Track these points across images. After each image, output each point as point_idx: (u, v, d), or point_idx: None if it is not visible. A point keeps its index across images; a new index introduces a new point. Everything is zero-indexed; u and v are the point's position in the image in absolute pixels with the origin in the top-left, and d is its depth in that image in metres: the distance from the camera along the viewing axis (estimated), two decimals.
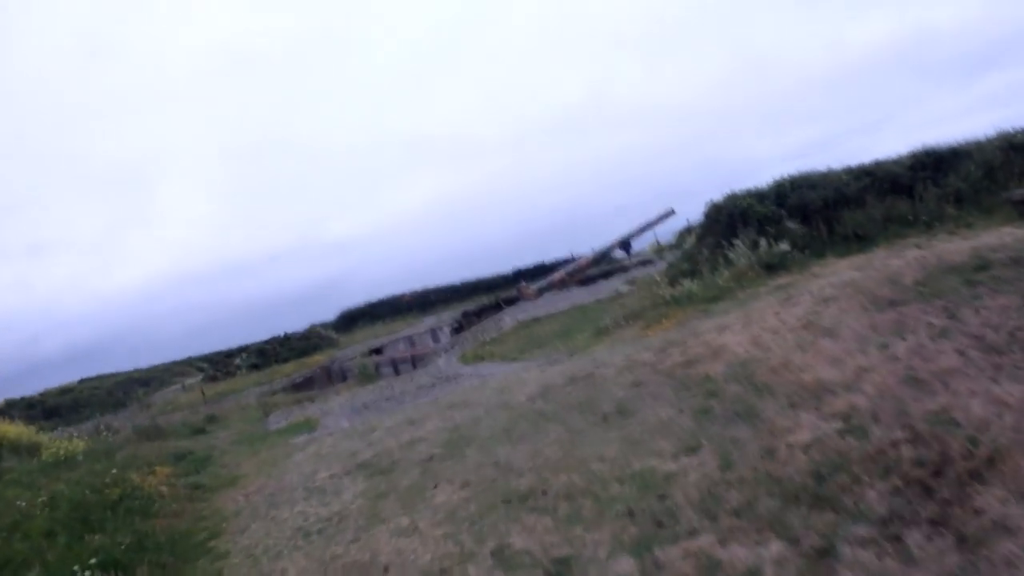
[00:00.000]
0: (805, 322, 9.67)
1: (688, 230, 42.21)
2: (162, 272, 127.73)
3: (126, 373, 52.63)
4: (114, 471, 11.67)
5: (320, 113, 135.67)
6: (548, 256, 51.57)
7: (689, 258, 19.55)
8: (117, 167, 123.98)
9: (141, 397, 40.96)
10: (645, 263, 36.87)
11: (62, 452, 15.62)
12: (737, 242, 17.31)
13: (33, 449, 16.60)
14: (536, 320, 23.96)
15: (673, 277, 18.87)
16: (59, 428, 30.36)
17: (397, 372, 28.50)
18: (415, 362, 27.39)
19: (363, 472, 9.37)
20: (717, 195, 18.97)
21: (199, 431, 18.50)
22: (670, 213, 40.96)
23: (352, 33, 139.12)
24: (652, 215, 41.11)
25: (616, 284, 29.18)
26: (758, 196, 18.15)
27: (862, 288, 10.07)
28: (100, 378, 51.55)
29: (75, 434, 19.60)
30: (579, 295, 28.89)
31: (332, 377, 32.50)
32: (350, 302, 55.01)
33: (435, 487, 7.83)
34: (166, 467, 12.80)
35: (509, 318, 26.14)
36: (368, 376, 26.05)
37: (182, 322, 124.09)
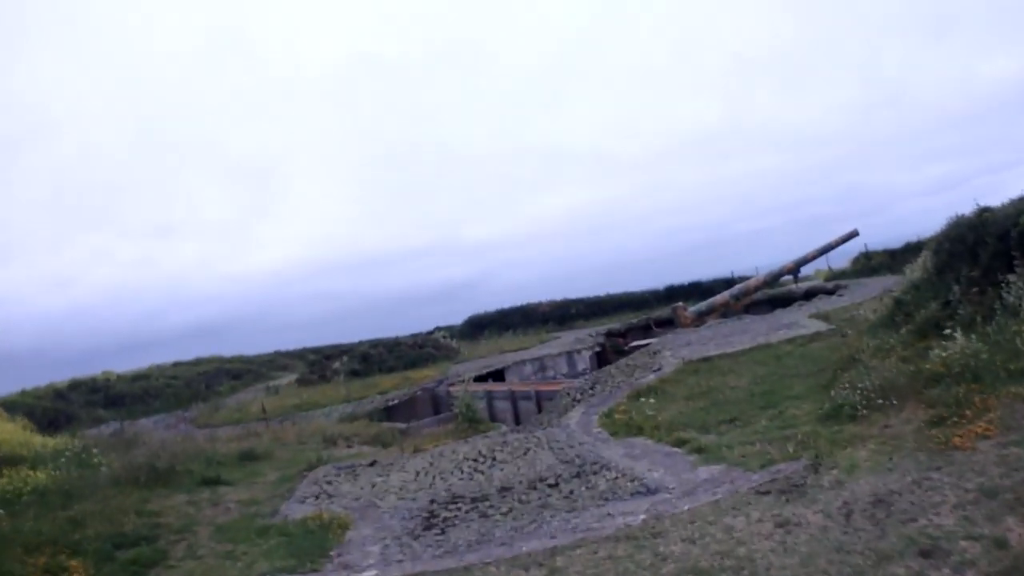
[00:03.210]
0: None
1: (867, 256, 35.96)
2: (293, 260, 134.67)
3: (220, 360, 48.78)
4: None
5: (457, 121, 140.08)
6: (703, 274, 45.06)
7: (933, 296, 13.05)
8: (251, 160, 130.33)
9: (224, 393, 38.11)
10: (823, 292, 30.15)
11: (11, 488, 11.95)
12: (1014, 279, 10.96)
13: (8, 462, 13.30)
14: (709, 361, 17.59)
15: (923, 325, 12.46)
16: (105, 424, 28.78)
17: (517, 419, 22.87)
18: (540, 402, 21.70)
19: None
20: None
21: (209, 481, 13.29)
22: (853, 234, 34.29)
23: (488, 46, 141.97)
24: (832, 236, 34.73)
25: (798, 317, 22.47)
26: None
27: None
28: (187, 364, 47.59)
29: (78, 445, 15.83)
30: (754, 327, 22.31)
31: (437, 404, 27.14)
32: (483, 307, 50.62)
33: None
34: (88, 564, 8.85)
35: (670, 354, 19.94)
36: (473, 420, 20.34)
37: (306, 312, 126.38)
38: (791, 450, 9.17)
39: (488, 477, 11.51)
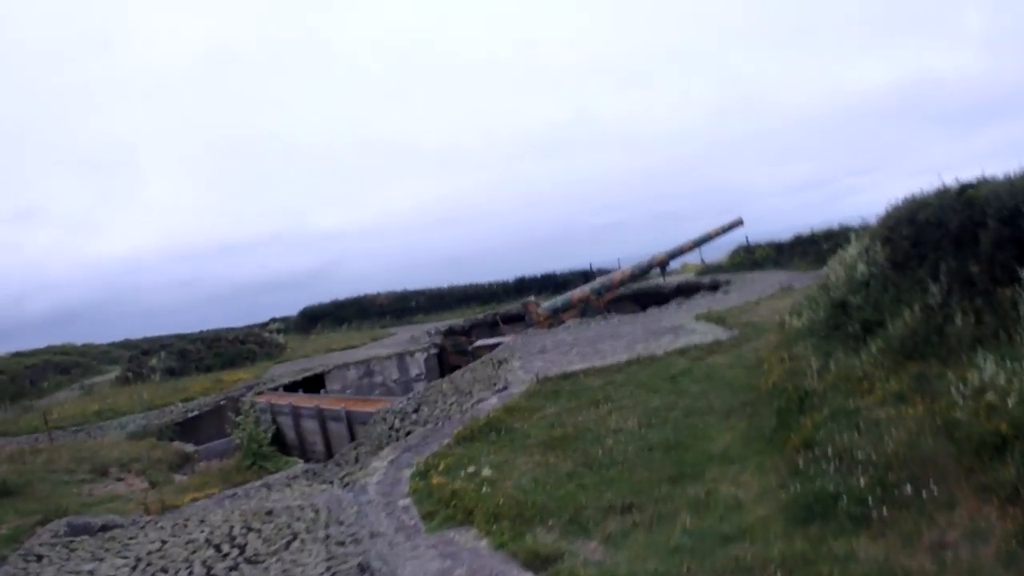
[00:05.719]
0: None
1: (748, 248, 32.26)
2: (148, 246, 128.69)
3: (50, 352, 41.79)
4: None
5: (305, 113, 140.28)
6: (558, 266, 40.46)
7: (897, 298, 8.82)
8: (110, 147, 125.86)
9: (49, 390, 33.42)
10: (701, 287, 26.11)
11: None
12: None
13: None
14: (572, 380, 12.81)
15: (905, 342, 8.12)
16: None
17: (328, 448, 17.56)
18: (353, 427, 16.44)
19: None
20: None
21: None
22: (737, 223, 30.67)
23: (337, 43, 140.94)
24: (714, 225, 30.91)
25: (683, 319, 18.00)
26: None
27: None
28: (27, 355, 40.68)
29: None
30: (628, 330, 17.77)
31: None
32: (328, 297, 44.82)
33: None
34: None
35: (519, 364, 15.13)
36: (259, 455, 14.78)
37: (157, 299, 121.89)
38: None
39: None
